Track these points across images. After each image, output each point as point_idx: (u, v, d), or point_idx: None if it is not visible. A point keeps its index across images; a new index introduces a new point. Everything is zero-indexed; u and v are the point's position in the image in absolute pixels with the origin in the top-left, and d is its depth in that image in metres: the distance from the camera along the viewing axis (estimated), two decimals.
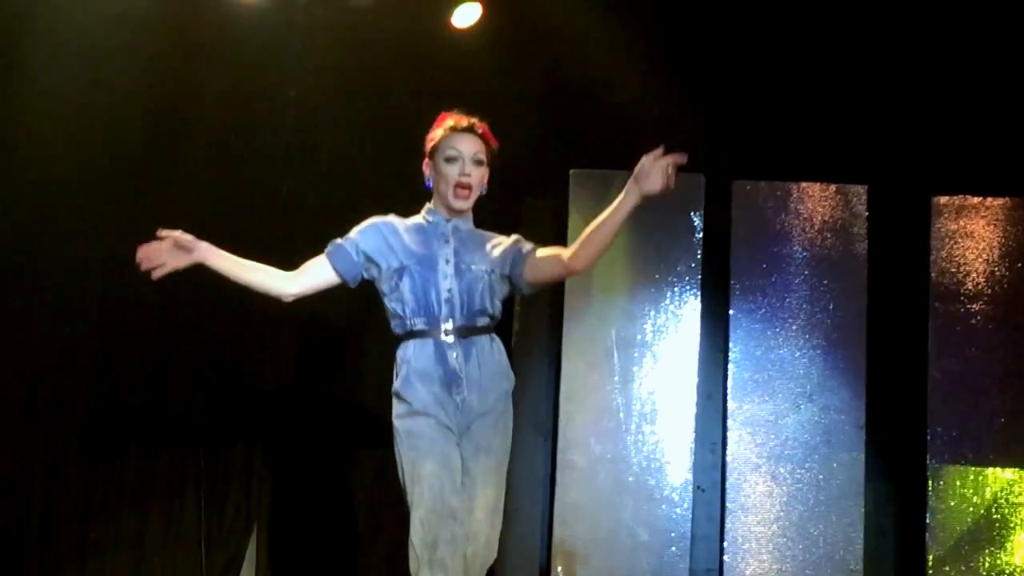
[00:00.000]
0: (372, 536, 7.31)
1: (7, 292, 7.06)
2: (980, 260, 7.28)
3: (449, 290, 5.07)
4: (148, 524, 7.20)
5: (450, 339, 5.05)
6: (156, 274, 4.96)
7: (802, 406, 7.19)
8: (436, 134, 5.18)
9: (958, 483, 7.11)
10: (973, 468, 7.10)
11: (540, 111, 7.35)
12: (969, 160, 7.29)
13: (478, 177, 5.17)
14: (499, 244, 5.23)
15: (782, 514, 7.15)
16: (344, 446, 7.34)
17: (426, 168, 5.22)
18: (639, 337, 7.23)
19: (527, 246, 5.23)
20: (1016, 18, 7.12)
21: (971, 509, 7.09)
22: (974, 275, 7.26)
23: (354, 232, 5.18)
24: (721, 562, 7.09)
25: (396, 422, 5.04)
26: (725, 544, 7.09)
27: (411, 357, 5.06)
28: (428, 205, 5.24)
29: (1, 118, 7.02)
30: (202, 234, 6.95)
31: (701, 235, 7.28)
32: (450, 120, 5.19)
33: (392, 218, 5.23)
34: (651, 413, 7.18)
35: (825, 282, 7.27)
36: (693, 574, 7.14)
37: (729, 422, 7.19)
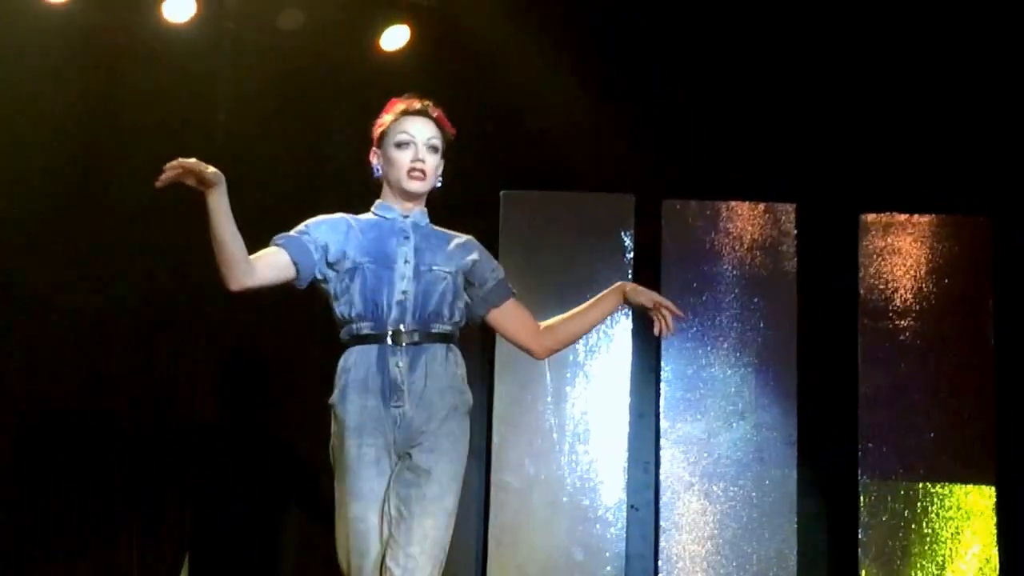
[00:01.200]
0: (305, 569, 7.28)
1: None
2: (908, 276, 7.35)
3: (404, 292, 4.57)
4: (81, 562, 7.13)
5: (397, 345, 4.53)
6: (162, 178, 4.44)
7: (734, 424, 7.23)
8: (385, 119, 4.73)
9: (889, 498, 7.15)
10: (904, 483, 7.16)
11: (470, 132, 7.33)
12: (896, 178, 7.36)
13: (433, 164, 4.69)
14: (468, 249, 4.75)
15: (716, 532, 7.17)
16: (277, 479, 7.30)
17: (373, 157, 4.75)
18: (571, 357, 7.24)
19: (509, 286, 4.87)
20: (938, 36, 7.18)
21: (903, 524, 7.14)
22: (902, 291, 7.33)
23: (305, 225, 4.69)
24: None
25: (333, 441, 4.58)
26: (660, 563, 7.12)
27: (351, 365, 4.57)
28: (378, 201, 4.75)
29: None
30: (132, 262, 7.04)
31: (632, 255, 7.30)
32: (401, 104, 4.75)
33: (343, 215, 4.72)
34: (584, 433, 7.19)
35: (755, 300, 7.31)
36: None
37: (662, 441, 7.21)
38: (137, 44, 7.18)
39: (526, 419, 7.20)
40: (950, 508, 7.14)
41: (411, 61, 7.28)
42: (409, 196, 4.69)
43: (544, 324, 4.91)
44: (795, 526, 7.13)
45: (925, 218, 7.38)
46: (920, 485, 7.16)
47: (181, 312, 7.16)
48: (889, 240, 7.36)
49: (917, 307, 7.31)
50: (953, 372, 7.25)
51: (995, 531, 7.10)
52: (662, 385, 7.28)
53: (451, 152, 4.78)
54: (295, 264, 4.60)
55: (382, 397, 4.53)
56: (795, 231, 7.34)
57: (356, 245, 4.62)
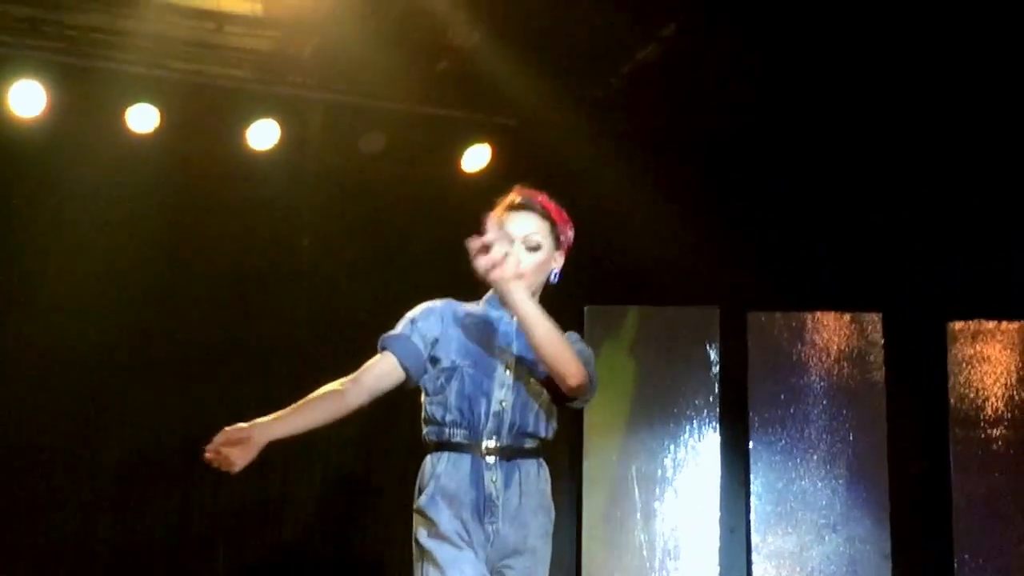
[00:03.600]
0: None
1: None
2: (998, 384, 7.26)
3: (502, 403, 4.27)
4: None
5: (491, 459, 4.26)
6: (235, 470, 4.15)
7: (826, 537, 7.14)
8: (495, 215, 4.32)
9: None
10: None
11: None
12: (983, 285, 7.30)
13: (532, 263, 4.31)
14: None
15: None
16: None
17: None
18: (659, 472, 7.20)
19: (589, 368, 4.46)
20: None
21: None
22: (993, 400, 7.24)
23: (411, 317, 4.38)
24: None
25: (421, 542, 4.25)
26: None
27: (441, 473, 4.26)
28: (489, 293, 4.39)
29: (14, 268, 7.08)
30: (222, 391, 7.08)
31: (718, 368, 7.27)
32: (510, 196, 4.43)
33: (450, 303, 4.41)
34: (674, 549, 7.13)
35: (844, 411, 7.25)
36: None
37: (754, 556, 7.13)
38: (222, 171, 7.29)
39: (616, 536, 7.15)
40: None
41: (493, 181, 7.33)
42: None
43: None
44: None
45: (1014, 324, 7.31)
46: None
47: None
48: (978, 348, 7.29)
49: (1009, 415, 7.22)
50: None
51: None
52: (752, 499, 7.21)
53: (568, 245, 4.40)
54: (404, 369, 4.31)
55: (475, 512, 4.24)
56: (882, 340, 7.29)
57: (458, 344, 4.32)
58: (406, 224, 7.47)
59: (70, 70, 6.96)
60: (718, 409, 7.24)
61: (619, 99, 7.39)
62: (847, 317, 7.34)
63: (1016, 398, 7.24)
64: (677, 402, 7.28)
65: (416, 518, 4.30)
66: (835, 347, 7.31)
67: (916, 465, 7.24)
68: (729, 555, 7.20)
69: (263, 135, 7.26)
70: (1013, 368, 7.28)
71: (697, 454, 7.22)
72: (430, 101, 7.39)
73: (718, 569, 7.11)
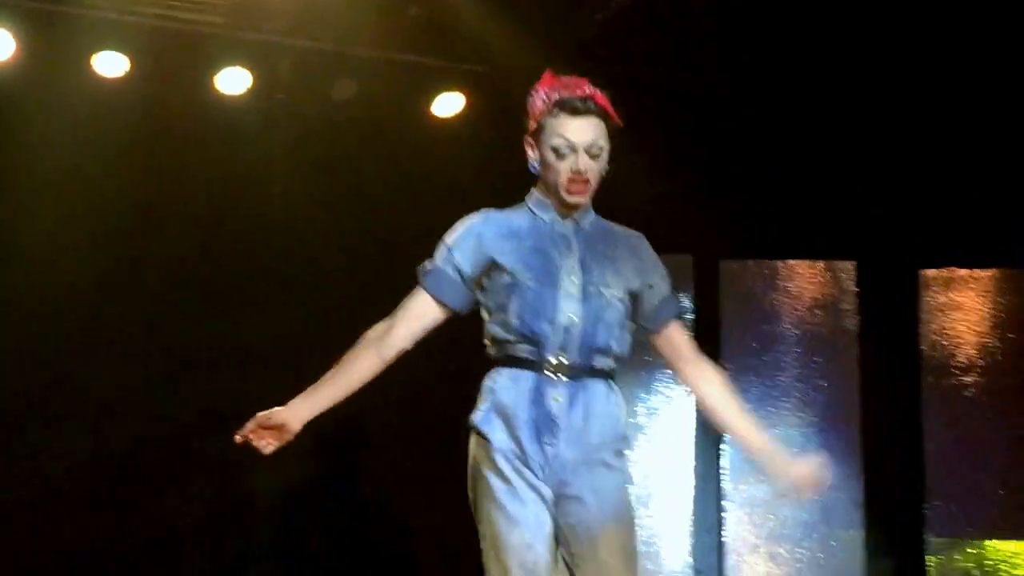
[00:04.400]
0: None
1: None
2: (970, 332, 7.30)
3: (571, 315, 3.94)
4: None
5: (557, 376, 3.94)
6: (267, 452, 4.00)
7: None
8: (539, 107, 4.06)
9: (958, 557, 7.07)
10: (973, 541, 7.07)
11: (524, 194, 7.35)
12: (956, 233, 7.30)
13: (597, 171, 4.03)
14: (641, 263, 4.12)
15: None
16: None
17: (529, 149, 4.09)
18: (632, 420, 7.21)
19: (675, 301, 4.21)
20: (997, 91, 7.15)
21: None
22: (965, 347, 7.28)
23: (448, 244, 4.06)
24: None
25: (475, 464, 3.96)
26: None
27: (498, 388, 3.96)
28: (534, 193, 4.10)
29: None
30: (189, 327, 7.05)
31: (691, 316, 7.28)
32: (557, 93, 4.05)
33: (491, 215, 4.09)
34: (647, 497, 7.14)
35: (816, 359, 7.27)
36: None
37: (726, 503, 7.16)
38: (191, 116, 7.23)
39: None
40: (1019, 566, 7.06)
41: (466, 127, 7.31)
42: (568, 207, 4.05)
43: (707, 375, 4.17)
44: None
45: (986, 272, 7.33)
46: (988, 543, 7.08)
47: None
48: (950, 295, 7.33)
49: (981, 362, 7.25)
50: (1020, 427, 7.17)
51: None
52: (725, 447, 7.23)
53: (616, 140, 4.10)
54: (443, 303, 4.04)
55: (534, 431, 3.92)
56: (855, 288, 7.31)
57: (513, 254, 3.99)
58: (378, 170, 7.43)
59: (38, 15, 6.89)
60: None
61: (593, 47, 7.34)
62: (820, 265, 7.35)
63: (988, 345, 7.28)
64: (650, 351, 7.26)
65: (471, 437, 4.00)
66: (808, 295, 7.33)
67: None
68: (702, 503, 7.22)
69: (233, 82, 7.20)
70: (985, 315, 7.31)
71: (670, 403, 7.23)
72: (402, 47, 7.34)
73: (691, 518, 7.13)
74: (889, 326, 7.32)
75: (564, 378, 3.94)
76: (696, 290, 7.27)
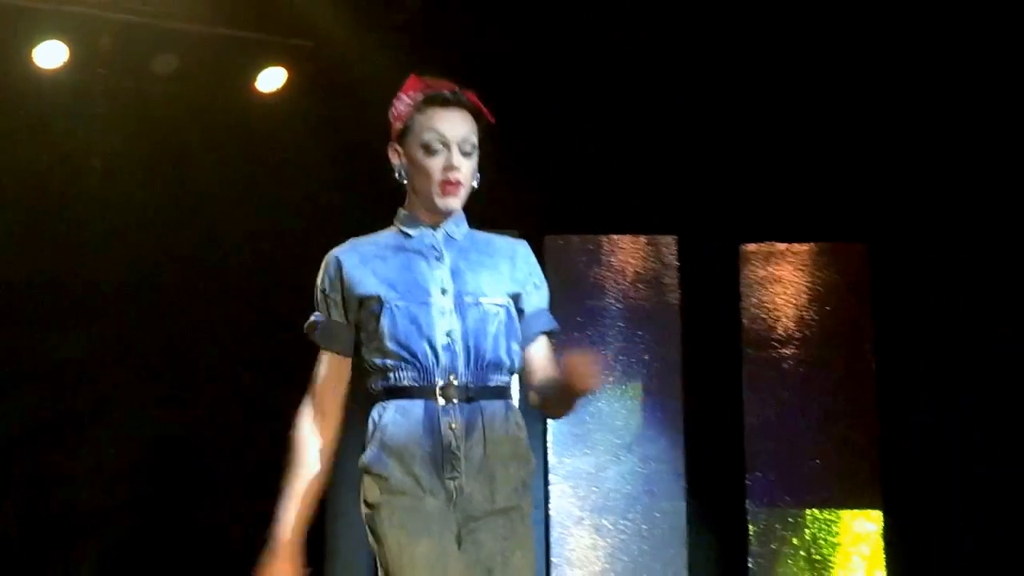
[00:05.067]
0: None
1: None
2: (789, 305, 7.42)
3: (449, 332, 3.59)
4: None
5: (447, 402, 3.57)
6: None
7: (622, 457, 7.24)
8: (403, 108, 3.72)
9: (778, 526, 7.19)
10: (792, 510, 7.20)
11: (347, 169, 7.33)
12: (775, 207, 7.42)
13: (469, 169, 3.71)
14: (518, 264, 3.80)
15: (607, 566, 7.17)
16: None
17: (393, 156, 3.74)
18: None
19: (549, 323, 3.91)
20: (808, 66, 7.27)
21: (792, 551, 7.18)
22: (784, 320, 7.40)
23: (321, 288, 3.71)
24: None
25: (368, 505, 3.58)
26: None
27: (388, 423, 3.59)
28: (401, 210, 3.76)
29: None
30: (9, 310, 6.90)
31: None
32: (424, 89, 3.75)
33: (356, 242, 3.73)
34: None
35: (640, 333, 7.34)
36: None
37: (550, 476, 7.20)
38: (7, 90, 7.08)
39: None
40: (838, 533, 7.20)
41: (289, 102, 7.25)
42: (441, 212, 3.71)
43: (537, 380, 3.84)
44: (686, 557, 7.15)
45: (804, 247, 7.46)
46: (807, 512, 7.21)
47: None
48: (770, 269, 7.43)
49: (799, 335, 7.38)
50: (836, 398, 7.32)
51: (883, 554, 7.16)
52: (549, 421, 7.27)
53: (486, 142, 3.81)
54: (340, 354, 3.68)
55: (433, 466, 3.55)
56: (677, 263, 7.38)
57: (378, 276, 3.65)
58: (200, 145, 7.34)
59: None
60: None
61: (417, 23, 7.33)
62: (643, 240, 7.42)
63: (806, 318, 7.40)
64: None
65: (363, 480, 3.62)
66: (631, 270, 7.39)
67: None
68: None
69: (50, 55, 7.06)
70: (803, 289, 7.43)
71: None
72: (224, 22, 7.26)
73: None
74: (710, 300, 7.41)
75: (457, 402, 3.58)
76: None
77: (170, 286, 6.21)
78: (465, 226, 3.80)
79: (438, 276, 3.66)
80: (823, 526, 7.19)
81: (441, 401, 3.57)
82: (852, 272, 7.42)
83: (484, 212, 7.21)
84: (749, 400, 7.25)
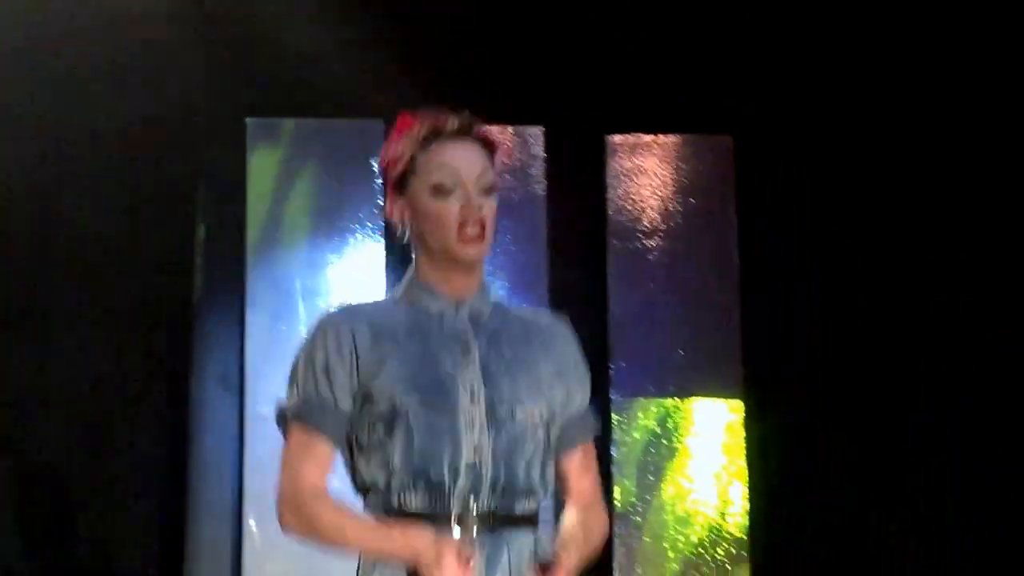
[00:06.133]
0: None
1: None
2: (655, 197, 7.45)
3: (476, 450, 3.01)
4: None
5: (465, 532, 3.00)
6: None
7: None
8: (401, 149, 3.14)
9: (641, 415, 7.26)
10: (655, 400, 7.27)
11: (211, 59, 7.20)
12: (640, 98, 7.42)
13: (493, 213, 3.13)
14: (559, 362, 3.21)
15: None
16: None
17: (395, 212, 3.18)
18: (323, 286, 7.18)
19: (593, 427, 3.33)
20: None
21: (654, 440, 7.26)
22: (649, 212, 7.43)
23: (323, 365, 3.08)
24: None
25: None
26: None
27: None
28: (409, 275, 3.18)
29: None
30: None
31: (380, 181, 7.25)
32: (424, 123, 3.17)
33: (357, 313, 3.12)
34: None
35: (505, 224, 7.26)
36: None
37: None
38: None
39: (280, 350, 7.11)
40: (700, 423, 7.29)
41: None
42: (462, 268, 3.11)
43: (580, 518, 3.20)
44: None
45: (670, 138, 7.48)
46: (670, 401, 7.29)
47: None
48: (636, 161, 7.45)
49: (664, 227, 7.41)
50: (700, 289, 7.38)
51: (744, 443, 7.27)
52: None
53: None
54: (333, 441, 3.11)
55: None
56: (544, 154, 7.37)
57: (392, 370, 3.02)
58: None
59: None
60: (382, 221, 7.23)
61: None
62: (509, 130, 7.38)
63: (671, 209, 7.44)
64: (341, 215, 7.24)
65: None
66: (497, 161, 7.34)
67: None
68: None
69: None
70: (669, 180, 7.46)
71: (361, 267, 7.21)
72: None
73: None
74: (576, 191, 7.41)
75: (476, 533, 3.01)
76: None
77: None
78: (490, 296, 3.18)
79: (467, 377, 3.04)
80: (685, 415, 7.28)
81: (456, 531, 2.99)
82: (718, 164, 7.46)
83: (351, 100, 7.14)
84: (613, 291, 7.29)
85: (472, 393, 3.03)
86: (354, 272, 7.22)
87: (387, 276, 7.23)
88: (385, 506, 3.05)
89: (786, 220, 7.42)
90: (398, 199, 3.15)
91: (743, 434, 7.26)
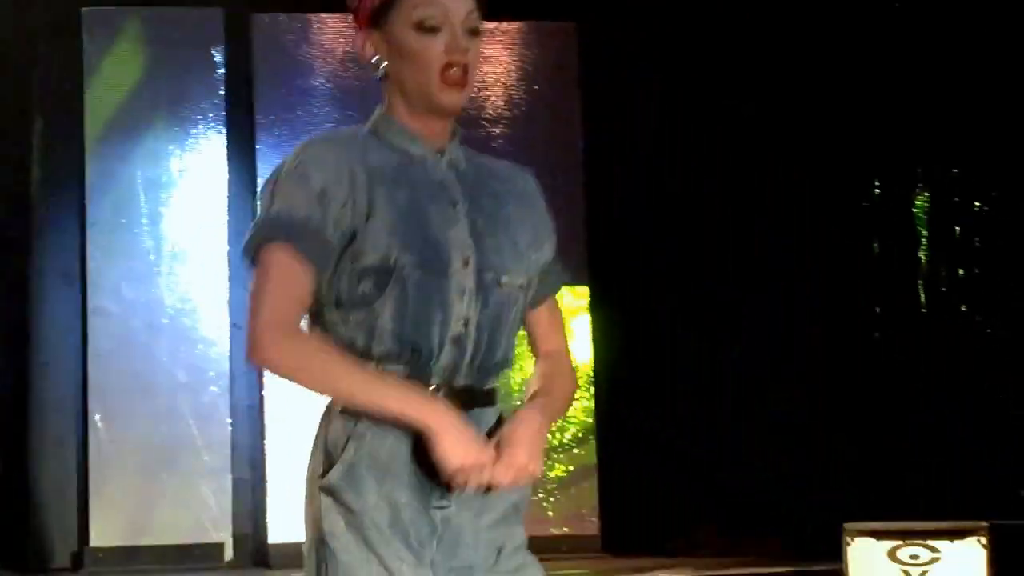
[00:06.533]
0: None
1: None
2: (498, 84, 7.46)
3: (465, 321, 2.78)
4: None
5: None
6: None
7: None
8: None
9: None
10: None
11: None
12: None
13: (476, 55, 2.85)
14: (533, 219, 2.96)
15: None
16: None
17: (367, 46, 2.86)
18: (165, 177, 7.10)
19: (560, 278, 3.01)
20: None
21: None
22: (493, 99, 7.44)
23: (320, 186, 2.71)
24: (261, 397, 7.10)
25: (326, 536, 2.73)
26: (264, 379, 7.10)
27: (365, 432, 2.73)
28: (382, 113, 2.85)
29: None
30: None
31: (223, 71, 7.17)
32: None
33: (351, 135, 2.82)
34: (182, 254, 7.09)
35: (350, 113, 7.29)
36: (234, 411, 7.12)
37: None
38: None
39: (121, 242, 7.04)
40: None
41: None
42: (443, 112, 2.83)
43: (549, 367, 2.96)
44: None
45: (513, 25, 7.47)
46: None
47: None
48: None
49: (508, 114, 7.43)
50: (546, 177, 7.34)
51: (591, 328, 7.35)
52: (257, 200, 7.20)
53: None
54: (319, 271, 2.73)
55: (419, 491, 2.74)
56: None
57: (386, 220, 2.74)
58: None
59: None
60: (224, 112, 7.16)
61: None
62: (351, 19, 7.30)
63: (515, 97, 7.45)
64: (182, 106, 7.15)
65: (321, 502, 2.76)
66: (340, 49, 7.31)
67: None
68: (238, 257, 7.19)
69: None
70: (512, 68, 7.47)
71: (203, 158, 7.14)
72: None
73: (228, 272, 7.12)
74: None
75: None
76: (227, 43, 7.16)
77: None
78: (465, 151, 2.91)
79: (459, 237, 2.77)
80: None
81: None
82: (561, 51, 7.47)
83: None
84: None
85: (464, 260, 2.75)
86: (196, 164, 7.14)
87: (229, 168, 7.17)
88: None
89: (630, 106, 7.47)
90: (372, 32, 2.83)
91: (589, 319, 7.34)
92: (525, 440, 2.74)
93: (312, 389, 2.77)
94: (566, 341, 3.03)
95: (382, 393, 2.70)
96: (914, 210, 7.35)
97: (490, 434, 2.76)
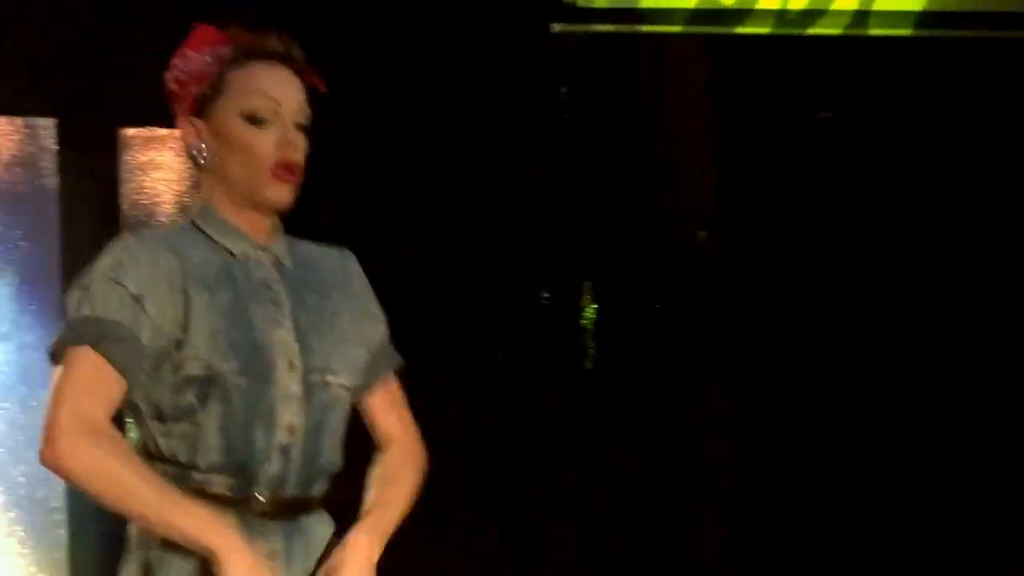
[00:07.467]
0: None
1: None
2: (170, 191, 7.23)
3: (291, 428, 2.69)
4: None
5: (267, 520, 2.69)
6: None
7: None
8: (205, 65, 2.78)
9: None
10: None
11: None
12: (157, 92, 6.93)
13: (303, 154, 2.78)
14: (357, 309, 2.87)
15: None
16: None
17: (189, 133, 2.86)
18: None
19: (394, 358, 2.96)
20: None
21: None
22: (165, 205, 7.22)
23: (134, 292, 2.63)
24: None
25: None
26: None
27: (178, 545, 2.61)
28: (202, 205, 2.82)
29: None
30: None
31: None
32: (240, 39, 2.75)
33: (160, 239, 2.74)
34: None
35: (17, 218, 7.20)
36: None
37: None
38: None
39: None
40: None
41: None
42: (270, 208, 2.76)
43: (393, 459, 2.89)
44: None
45: None
46: None
47: None
48: (150, 155, 7.19)
49: (179, 219, 7.05)
50: None
51: None
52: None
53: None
54: (128, 380, 2.63)
55: None
56: (56, 146, 7.18)
57: (205, 323, 2.63)
58: None
59: None
60: None
61: None
62: (20, 122, 7.23)
63: (186, 203, 7.13)
64: None
65: None
66: (7, 153, 7.25)
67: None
68: None
69: None
70: (184, 175, 7.13)
71: None
72: None
73: None
74: (90, 184, 7.19)
75: (278, 521, 2.69)
76: None
77: None
78: (289, 244, 2.79)
79: (283, 339, 2.68)
80: None
81: (259, 518, 2.66)
82: None
83: None
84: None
85: (290, 364, 2.65)
86: None
87: None
88: (179, 483, 2.62)
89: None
90: (195, 120, 2.81)
91: None
92: (353, 574, 2.60)
93: (102, 500, 2.57)
94: (407, 416, 2.91)
95: (181, 511, 2.54)
96: None
97: (321, 560, 2.66)
